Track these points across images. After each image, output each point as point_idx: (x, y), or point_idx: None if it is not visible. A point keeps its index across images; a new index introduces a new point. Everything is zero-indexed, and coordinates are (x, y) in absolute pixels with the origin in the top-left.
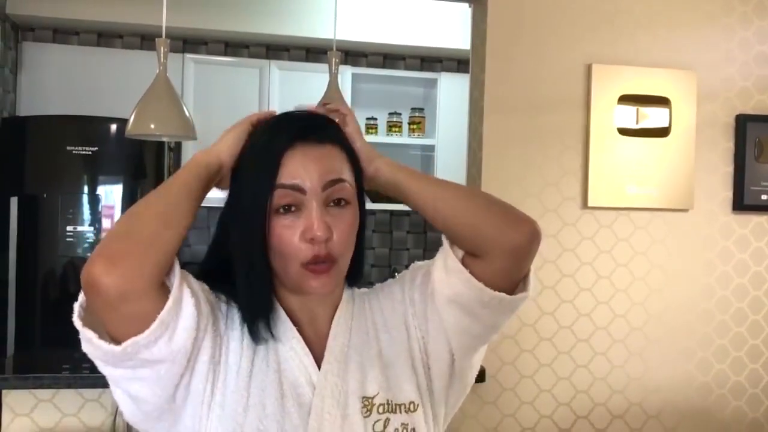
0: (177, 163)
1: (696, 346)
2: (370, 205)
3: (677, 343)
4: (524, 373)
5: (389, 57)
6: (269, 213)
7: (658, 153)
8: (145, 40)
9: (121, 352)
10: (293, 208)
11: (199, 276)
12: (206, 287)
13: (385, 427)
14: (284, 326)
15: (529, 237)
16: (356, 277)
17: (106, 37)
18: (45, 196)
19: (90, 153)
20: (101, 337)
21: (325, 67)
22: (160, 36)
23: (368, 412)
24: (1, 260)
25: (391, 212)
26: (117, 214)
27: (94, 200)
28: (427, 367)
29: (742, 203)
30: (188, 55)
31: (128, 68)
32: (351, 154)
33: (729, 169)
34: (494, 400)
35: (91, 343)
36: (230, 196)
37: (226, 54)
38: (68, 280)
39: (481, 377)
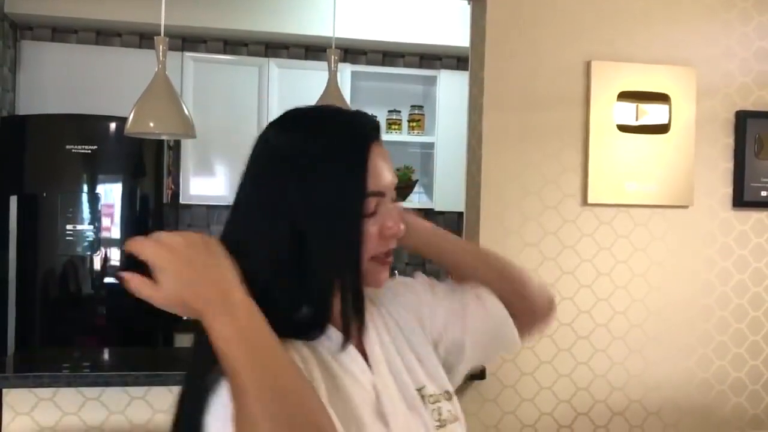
0: (176, 162)
1: (696, 343)
2: None
3: (677, 339)
4: (524, 370)
5: (388, 54)
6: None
7: (658, 150)
8: (143, 38)
9: None
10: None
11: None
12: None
13: (440, 415)
14: (336, 334)
15: (546, 308)
16: None
17: (104, 35)
18: (44, 195)
19: (89, 152)
20: None
21: (324, 64)
22: (159, 34)
23: (425, 403)
24: (0, 259)
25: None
26: (117, 212)
27: (94, 199)
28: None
29: (742, 200)
30: (187, 54)
31: (127, 67)
32: None
33: (729, 165)
34: (494, 398)
35: None
36: (298, 200)
37: (225, 52)
38: (68, 279)
39: (481, 374)
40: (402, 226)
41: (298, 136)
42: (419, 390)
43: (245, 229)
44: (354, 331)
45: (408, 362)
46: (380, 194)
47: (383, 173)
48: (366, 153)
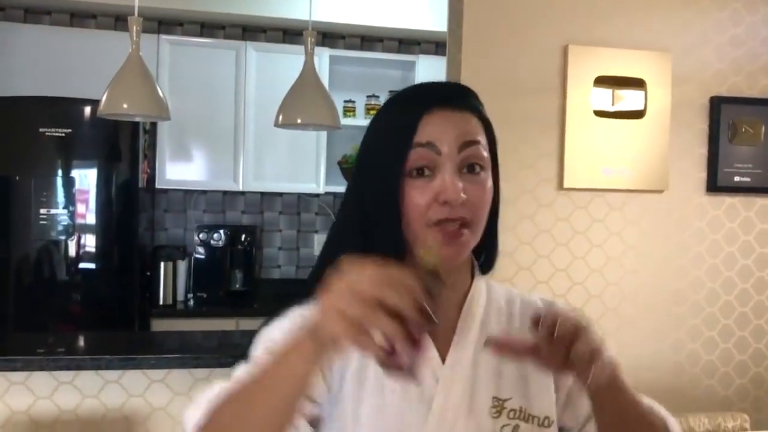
0: (152, 146)
1: (669, 327)
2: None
3: (651, 323)
4: None
5: (367, 39)
6: (403, 175)
7: (634, 135)
8: (119, 20)
9: None
10: (427, 172)
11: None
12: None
13: None
14: None
15: None
16: (488, 263)
17: (79, 17)
18: (17, 178)
19: (63, 135)
20: None
21: (302, 48)
22: (137, 13)
23: (497, 413)
24: None
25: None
26: (91, 197)
27: (68, 183)
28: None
29: (715, 185)
30: (163, 36)
31: (102, 49)
32: (487, 123)
33: (703, 150)
34: None
35: None
36: (360, 163)
37: (201, 35)
38: (43, 264)
39: None
40: (460, 194)
41: (380, 110)
42: (499, 399)
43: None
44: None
45: (503, 368)
46: (429, 147)
47: (435, 131)
48: (419, 113)
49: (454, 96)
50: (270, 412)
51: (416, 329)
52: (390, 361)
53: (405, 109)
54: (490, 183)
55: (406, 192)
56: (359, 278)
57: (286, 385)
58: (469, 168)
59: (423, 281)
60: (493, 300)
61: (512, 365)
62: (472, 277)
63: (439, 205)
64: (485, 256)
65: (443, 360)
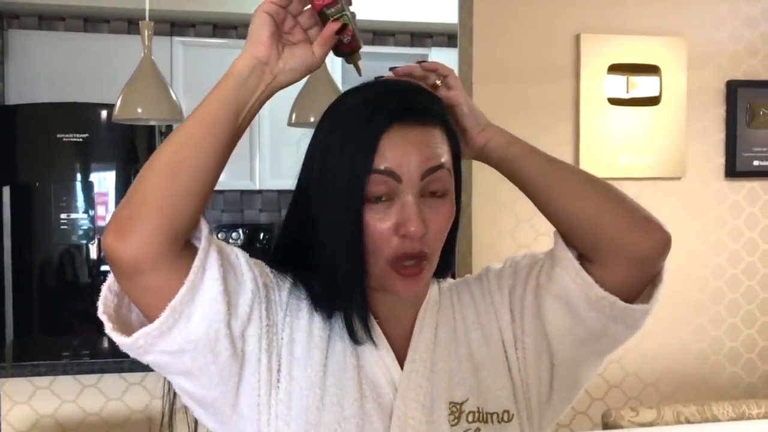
0: None
1: (691, 314)
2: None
3: (673, 311)
4: None
5: (379, 33)
6: (363, 202)
7: (650, 122)
8: (132, 24)
9: (132, 344)
10: (384, 198)
11: (270, 265)
12: (262, 265)
13: None
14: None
15: (661, 247)
16: (444, 270)
17: (92, 22)
18: (37, 184)
19: (81, 140)
20: (116, 328)
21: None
22: (148, 17)
23: (456, 420)
24: None
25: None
26: (111, 200)
27: (87, 187)
28: (525, 372)
29: (734, 170)
30: (176, 38)
31: (116, 53)
32: (451, 133)
33: (721, 135)
34: None
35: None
36: (315, 180)
37: (214, 35)
38: (65, 268)
39: None
40: (422, 228)
41: (331, 116)
42: (456, 404)
43: (290, 203)
44: (398, 324)
45: (455, 370)
46: (389, 174)
47: (396, 156)
48: (378, 132)
49: (416, 106)
50: (171, 154)
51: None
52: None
53: (361, 127)
54: (453, 204)
55: (366, 218)
56: None
57: (224, 90)
58: (431, 193)
59: None
60: (446, 300)
61: (465, 361)
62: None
63: (398, 237)
64: (442, 264)
65: (402, 367)
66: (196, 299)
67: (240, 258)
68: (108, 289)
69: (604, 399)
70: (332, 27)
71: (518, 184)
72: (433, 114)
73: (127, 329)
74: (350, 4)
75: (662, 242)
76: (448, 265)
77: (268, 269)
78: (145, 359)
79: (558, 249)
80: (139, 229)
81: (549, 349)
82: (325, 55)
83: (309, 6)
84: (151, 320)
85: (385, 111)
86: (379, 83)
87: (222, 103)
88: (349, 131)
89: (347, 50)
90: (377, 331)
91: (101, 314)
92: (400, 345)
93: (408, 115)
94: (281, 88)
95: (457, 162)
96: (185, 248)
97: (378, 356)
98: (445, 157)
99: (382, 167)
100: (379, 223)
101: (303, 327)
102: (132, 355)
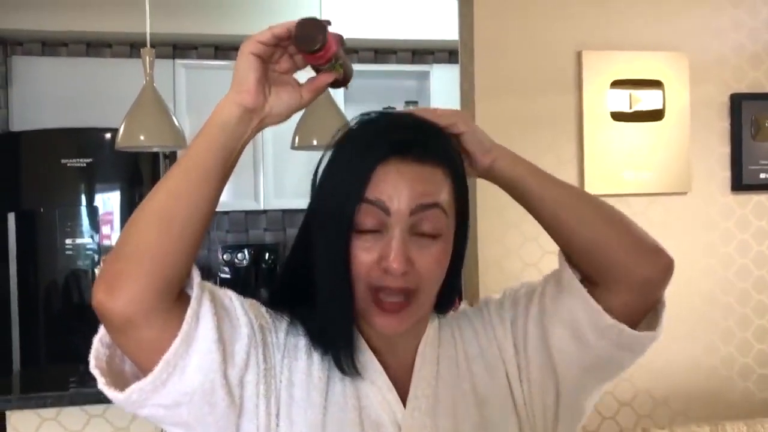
0: None
1: (701, 330)
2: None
3: (682, 327)
4: None
5: (380, 51)
6: (351, 230)
7: (653, 137)
8: (134, 48)
9: (126, 399)
10: (373, 229)
11: (271, 299)
12: (258, 306)
13: None
14: (364, 356)
15: (665, 270)
16: (446, 305)
17: (95, 47)
18: (42, 210)
19: (85, 165)
20: (108, 382)
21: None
22: (149, 43)
23: None
24: (1, 276)
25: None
26: (116, 224)
27: (92, 212)
28: (531, 404)
29: (740, 183)
30: (178, 61)
31: (119, 77)
32: (457, 175)
33: (726, 149)
34: None
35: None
36: (311, 208)
37: (216, 57)
38: (71, 294)
39: None
40: (403, 265)
41: (336, 142)
42: None
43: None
44: (398, 359)
45: (460, 406)
46: (377, 205)
47: (387, 188)
48: (373, 164)
49: (417, 142)
50: (159, 205)
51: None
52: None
53: (358, 157)
54: (447, 246)
55: (352, 249)
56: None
57: (182, 162)
58: (422, 233)
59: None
60: (446, 333)
61: (470, 396)
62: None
63: (381, 270)
64: (443, 299)
65: (404, 404)
66: (191, 351)
67: (234, 302)
68: (99, 341)
69: (615, 418)
70: (325, 79)
71: (524, 203)
72: (436, 153)
73: (121, 381)
74: (343, 45)
75: (666, 266)
76: (450, 301)
77: (263, 309)
78: (140, 413)
79: (564, 273)
80: (130, 284)
81: (555, 377)
82: (314, 99)
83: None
84: (144, 373)
85: (384, 143)
86: (387, 115)
87: (210, 151)
88: (347, 160)
89: (338, 85)
90: (375, 365)
91: (93, 368)
92: (402, 379)
93: (407, 150)
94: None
95: (462, 205)
96: (177, 298)
97: (380, 394)
98: (443, 197)
99: (371, 197)
100: (365, 253)
101: (302, 368)
102: (127, 409)
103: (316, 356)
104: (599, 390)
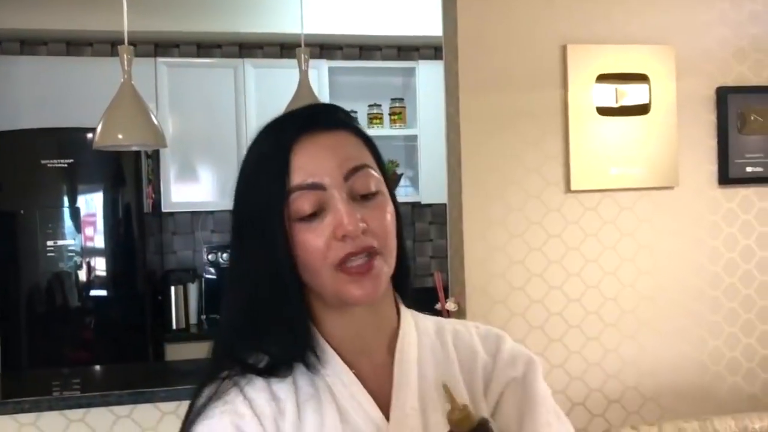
0: (156, 170)
1: (689, 325)
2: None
3: (670, 322)
4: None
5: (365, 48)
6: (287, 223)
7: (640, 131)
8: (115, 46)
9: None
10: (316, 212)
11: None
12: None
13: None
14: (332, 363)
15: None
16: (403, 288)
17: (75, 45)
18: (22, 212)
19: (66, 165)
20: None
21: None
22: (130, 41)
23: None
24: None
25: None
26: (98, 225)
27: (74, 213)
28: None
29: (727, 177)
30: (160, 59)
31: (100, 76)
32: (369, 141)
33: (712, 142)
34: None
35: None
36: (235, 221)
37: (198, 55)
38: (54, 295)
39: None
40: (357, 225)
41: (248, 150)
42: None
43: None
44: (371, 359)
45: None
46: (311, 187)
47: (311, 165)
48: (287, 146)
49: (320, 116)
50: None
51: None
52: None
53: (270, 145)
54: (389, 203)
55: (299, 238)
56: None
57: None
58: (363, 196)
59: None
60: (423, 335)
61: (460, 384)
62: (398, 311)
63: (338, 241)
64: (398, 281)
65: (387, 417)
66: None
67: None
68: None
69: (604, 415)
70: None
71: None
72: (342, 120)
73: None
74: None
75: None
76: (406, 285)
77: (248, 419)
78: None
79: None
80: None
81: None
82: None
83: None
84: None
85: (289, 125)
86: (285, 113)
87: None
88: (259, 153)
89: None
90: (350, 376)
91: None
92: (378, 383)
93: (315, 122)
94: None
95: (382, 169)
96: None
97: (359, 407)
98: (368, 159)
99: (300, 182)
100: (315, 236)
101: (291, 419)
102: None
103: (298, 407)
104: None
